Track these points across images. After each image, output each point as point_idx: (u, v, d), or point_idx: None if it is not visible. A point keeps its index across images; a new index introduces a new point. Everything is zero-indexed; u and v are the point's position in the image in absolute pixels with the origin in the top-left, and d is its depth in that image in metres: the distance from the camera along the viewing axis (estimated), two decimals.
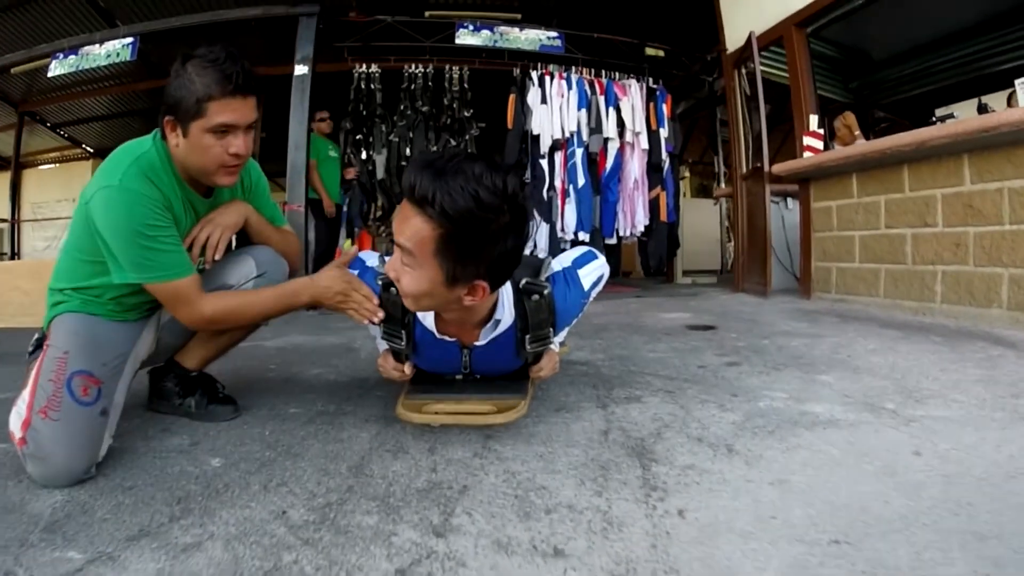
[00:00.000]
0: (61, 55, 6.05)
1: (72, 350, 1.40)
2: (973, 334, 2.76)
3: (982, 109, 4.03)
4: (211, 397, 1.76)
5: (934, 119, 4.02)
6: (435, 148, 5.78)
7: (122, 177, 1.39)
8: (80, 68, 6.05)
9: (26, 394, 1.34)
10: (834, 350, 2.55)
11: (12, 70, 6.43)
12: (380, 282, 1.48)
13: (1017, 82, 3.32)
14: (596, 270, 1.65)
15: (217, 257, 1.60)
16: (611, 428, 1.61)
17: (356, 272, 1.60)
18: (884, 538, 1.00)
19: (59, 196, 10.55)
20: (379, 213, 6.28)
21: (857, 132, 4.52)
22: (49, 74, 6.17)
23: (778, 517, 1.10)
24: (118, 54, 5.83)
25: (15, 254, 9.81)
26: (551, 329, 1.51)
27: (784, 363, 2.33)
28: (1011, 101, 4.17)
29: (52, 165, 11.34)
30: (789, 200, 5.01)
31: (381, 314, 1.50)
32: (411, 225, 1.18)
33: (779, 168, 4.49)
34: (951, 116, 3.88)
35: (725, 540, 1.02)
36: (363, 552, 1.00)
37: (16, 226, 9.87)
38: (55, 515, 1.12)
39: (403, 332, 1.51)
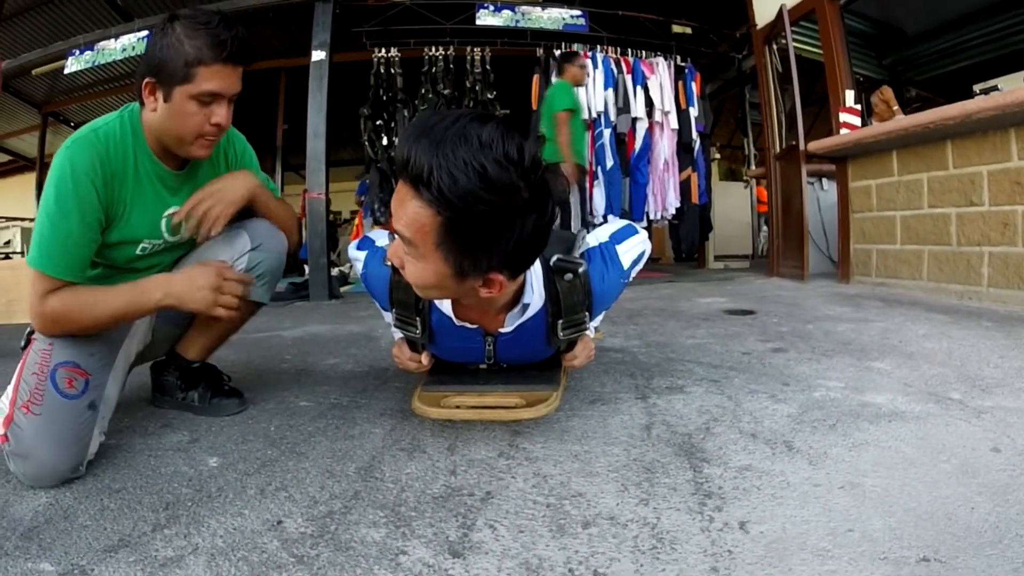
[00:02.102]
0: (77, 51, 6.00)
1: (57, 341, 1.30)
2: None
3: None
4: (215, 390, 1.66)
5: (977, 92, 3.80)
6: None
7: (67, 146, 1.29)
8: (96, 64, 5.99)
9: (10, 389, 1.27)
10: (883, 336, 2.38)
11: (33, 72, 6.44)
12: (389, 264, 1.28)
13: None
14: (637, 246, 1.45)
15: (214, 233, 1.45)
16: (654, 422, 1.44)
17: (364, 252, 1.44)
18: (978, 553, 0.85)
19: None
20: None
21: (896, 107, 4.34)
22: (66, 71, 6.13)
23: (855, 530, 0.93)
24: (134, 47, 5.76)
25: None
26: (587, 313, 1.32)
27: (833, 349, 2.17)
28: None
29: None
30: (824, 180, 4.81)
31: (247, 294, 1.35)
32: (407, 210, 0.97)
33: (815, 146, 4.30)
34: (995, 89, 3.66)
35: (798, 560, 0.85)
36: (364, 574, 0.84)
37: None
38: (35, 520, 1.05)
39: (417, 319, 1.32)
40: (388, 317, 1.43)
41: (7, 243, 12.18)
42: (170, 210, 1.45)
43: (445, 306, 1.27)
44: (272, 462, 1.27)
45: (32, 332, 1.37)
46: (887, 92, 4.45)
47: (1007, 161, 3.03)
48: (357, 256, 1.50)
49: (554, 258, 1.26)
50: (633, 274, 1.49)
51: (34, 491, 1.16)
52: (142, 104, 1.35)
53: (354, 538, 0.94)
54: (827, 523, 0.95)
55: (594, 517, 0.99)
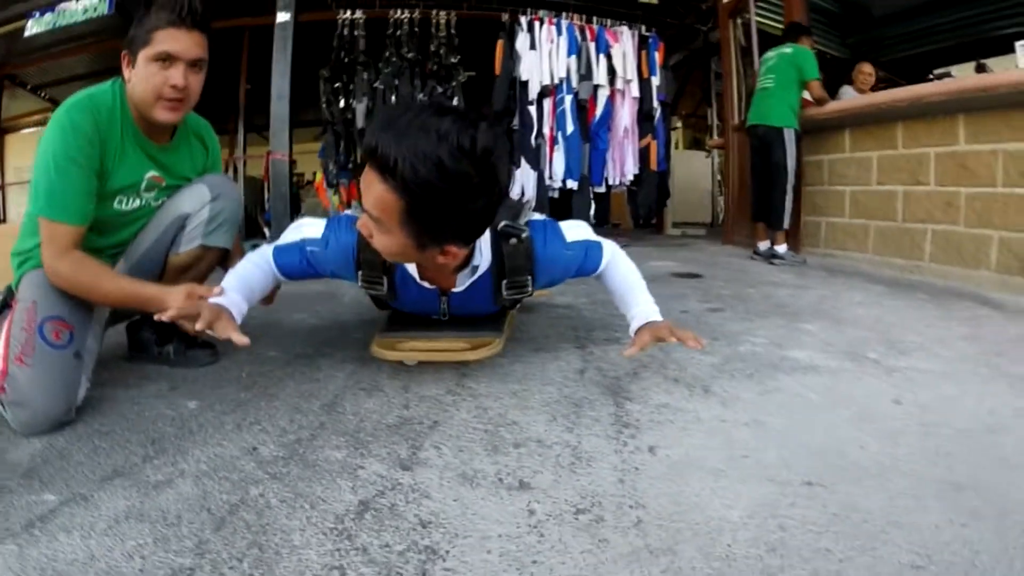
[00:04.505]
0: (37, 13, 5.86)
1: (39, 299, 1.40)
2: (961, 293, 2.77)
3: (980, 69, 3.99)
4: (188, 343, 1.75)
5: (931, 77, 3.97)
6: (421, 95, 5.63)
7: (68, 108, 1.39)
8: (57, 25, 5.86)
9: (0, 346, 1.34)
10: (819, 301, 2.56)
11: None
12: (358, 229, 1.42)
13: (1018, 44, 3.27)
14: (583, 231, 1.56)
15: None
16: (588, 367, 1.61)
17: (336, 222, 1.55)
18: (858, 483, 1.01)
19: None
20: (358, 162, 6.15)
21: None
22: (26, 33, 5.98)
23: (751, 457, 1.10)
24: (95, 8, 5.64)
25: (2, 218, 9.72)
26: (529, 277, 1.46)
27: (768, 311, 2.34)
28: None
29: (35, 128, 11.12)
30: None
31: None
32: (374, 192, 1.11)
33: None
34: (948, 75, 3.83)
35: (695, 477, 1.02)
36: (329, 484, 0.99)
37: (2, 191, 9.75)
38: (33, 461, 1.13)
39: (384, 277, 1.46)
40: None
41: None
42: (149, 173, 1.54)
43: (410, 267, 1.41)
44: (245, 403, 1.40)
45: (11, 294, 1.46)
46: (867, 66, 4.66)
47: (954, 144, 3.18)
48: (309, 232, 1.54)
49: (501, 224, 1.40)
50: (578, 252, 1.54)
51: (28, 439, 1.23)
52: (124, 79, 1.46)
53: (320, 458, 1.09)
54: (727, 451, 1.12)
55: (524, 440, 1.16)
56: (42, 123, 10.90)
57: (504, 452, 1.11)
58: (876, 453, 1.12)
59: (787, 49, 4.04)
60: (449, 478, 1.01)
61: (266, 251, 1.51)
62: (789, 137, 3.90)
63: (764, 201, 4.17)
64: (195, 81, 1.47)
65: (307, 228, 1.50)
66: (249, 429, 1.24)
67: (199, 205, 1.62)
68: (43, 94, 10.03)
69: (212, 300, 1.36)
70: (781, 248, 3.96)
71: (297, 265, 1.49)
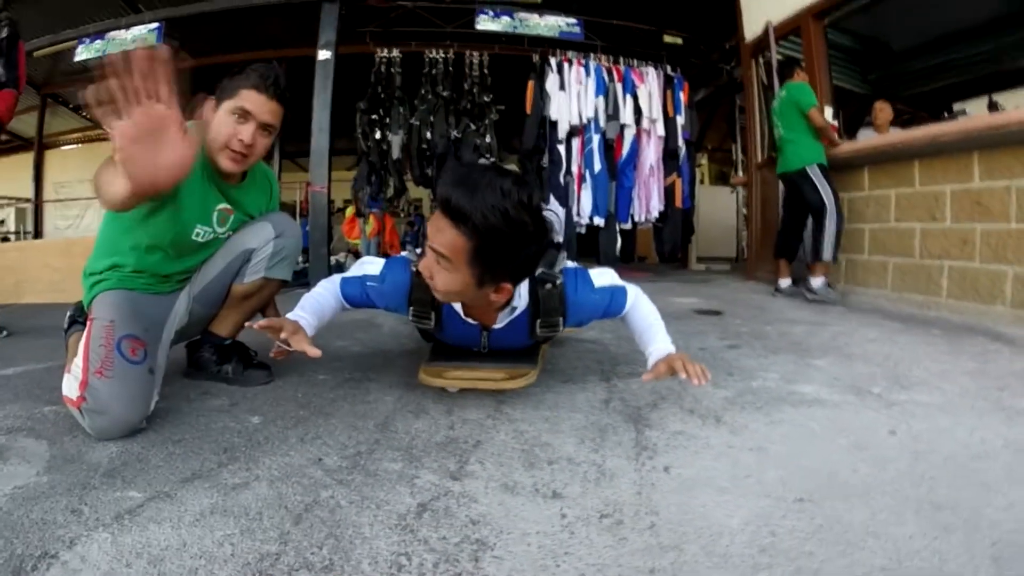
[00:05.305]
0: (88, 40, 6.23)
1: (117, 319, 1.56)
2: (974, 329, 2.81)
3: (992, 106, 4.09)
4: (246, 363, 1.92)
5: (945, 115, 4.07)
6: (455, 132, 5.86)
7: None
8: (106, 52, 6.14)
9: (79, 360, 1.47)
10: (833, 338, 2.65)
11: (35, 53, 6.54)
12: (414, 269, 1.60)
13: None
14: (611, 277, 1.74)
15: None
16: (612, 398, 1.77)
17: (393, 262, 1.70)
18: (845, 500, 1.13)
19: (81, 176, 10.55)
20: (391, 193, 6.40)
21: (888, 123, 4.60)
22: (76, 58, 6.33)
23: (752, 477, 1.24)
24: (144, 39, 5.99)
25: (38, 233, 10.05)
26: (561, 318, 1.65)
27: (782, 348, 2.45)
28: None
29: (74, 145, 11.47)
30: None
31: None
32: (446, 236, 1.33)
33: None
34: (964, 113, 3.92)
35: (702, 492, 1.17)
36: (390, 490, 1.17)
37: (39, 206, 10.13)
38: (112, 463, 1.25)
39: (432, 313, 1.66)
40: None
41: (1, 222, 12.25)
42: (220, 205, 1.76)
43: (456, 304, 1.61)
44: (305, 420, 1.57)
45: (79, 314, 1.65)
46: (886, 108, 4.73)
47: (969, 182, 3.26)
48: (369, 270, 1.72)
49: (538, 271, 1.60)
50: (606, 299, 1.72)
51: (103, 443, 1.35)
52: (207, 124, 1.68)
53: (379, 469, 1.27)
54: (731, 472, 1.27)
55: (556, 458, 1.33)
56: (82, 140, 11.31)
57: (539, 467, 1.28)
58: (865, 476, 1.23)
59: (782, 92, 4.14)
60: (493, 488, 1.18)
61: (336, 280, 1.72)
62: (815, 173, 3.90)
63: (790, 239, 4.22)
64: (262, 142, 1.70)
65: (368, 266, 1.71)
66: (312, 443, 1.41)
67: (264, 242, 1.83)
68: (84, 114, 10.37)
69: (291, 316, 1.56)
70: (817, 282, 3.87)
71: (359, 296, 1.69)
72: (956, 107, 6.06)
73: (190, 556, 0.92)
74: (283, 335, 1.45)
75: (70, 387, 1.45)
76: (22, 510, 1.03)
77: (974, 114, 3.47)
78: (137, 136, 1.12)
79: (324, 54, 5.38)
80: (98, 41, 6.22)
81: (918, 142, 3.46)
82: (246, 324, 1.56)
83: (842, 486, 1.19)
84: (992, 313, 3.06)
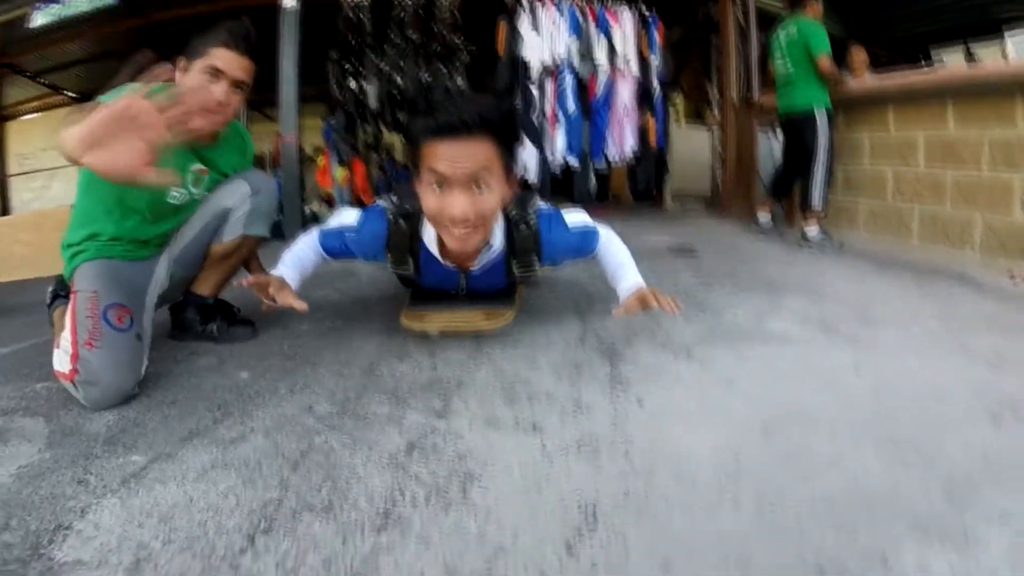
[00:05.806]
0: (42, 5, 5.91)
1: (100, 289, 1.56)
2: (943, 272, 2.85)
3: (968, 56, 4.06)
4: (230, 320, 1.92)
5: (922, 61, 4.02)
6: (426, 75, 5.76)
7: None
8: (63, 16, 5.94)
9: (67, 333, 1.46)
10: (805, 278, 2.69)
11: None
12: (390, 217, 1.66)
13: (1007, 34, 3.35)
14: (583, 217, 1.80)
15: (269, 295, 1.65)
16: (587, 335, 1.85)
17: (369, 211, 1.75)
18: (808, 431, 1.21)
19: (43, 145, 10.08)
20: (370, 140, 6.30)
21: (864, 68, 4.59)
22: (31, 25, 6.02)
23: (721, 409, 1.33)
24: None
25: (5, 209, 9.74)
26: (536, 257, 1.71)
27: (754, 286, 2.49)
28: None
29: (34, 115, 11.00)
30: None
31: None
32: (471, 152, 1.40)
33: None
34: (940, 61, 3.88)
35: (672, 423, 1.25)
36: (380, 431, 1.23)
37: (4, 180, 9.77)
38: (111, 431, 1.27)
39: (410, 259, 1.70)
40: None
41: None
42: (194, 167, 1.75)
43: (433, 248, 1.66)
44: (292, 371, 1.61)
45: (61, 287, 1.65)
46: (862, 52, 4.70)
47: (943, 129, 3.27)
48: (347, 220, 1.78)
49: (512, 212, 1.65)
50: (580, 241, 1.78)
51: (99, 413, 1.36)
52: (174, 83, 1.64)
53: (368, 412, 1.33)
54: (701, 404, 1.35)
55: (535, 394, 1.40)
56: (42, 108, 10.89)
57: (519, 403, 1.35)
58: (829, 411, 1.30)
59: (792, 28, 3.92)
60: (477, 424, 1.26)
61: (314, 234, 1.76)
62: (820, 118, 3.76)
63: (788, 180, 4.19)
64: (234, 99, 1.68)
65: (345, 216, 1.75)
66: (301, 392, 1.46)
67: (241, 200, 1.82)
68: (43, 80, 9.92)
69: (275, 273, 1.60)
70: (812, 230, 3.73)
71: (338, 247, 1.74)
72: (933, 53, 6.05)
73: (198, 510, 0.96)
74: (270, 291, 1.50)
75: (61, 361, 1.45)
76: (30, 488, 1.05)
77: (950, 64, 3.43)
78: (112, 120, 1.14)
79: (290, 3, 5.22)
80: (54, 6, 5.90)
81: (893, 90, 3.46)
82: (233, 282, 1.58)
83: (807, 420, 1.26)
84: (961, 257, 3.11)
